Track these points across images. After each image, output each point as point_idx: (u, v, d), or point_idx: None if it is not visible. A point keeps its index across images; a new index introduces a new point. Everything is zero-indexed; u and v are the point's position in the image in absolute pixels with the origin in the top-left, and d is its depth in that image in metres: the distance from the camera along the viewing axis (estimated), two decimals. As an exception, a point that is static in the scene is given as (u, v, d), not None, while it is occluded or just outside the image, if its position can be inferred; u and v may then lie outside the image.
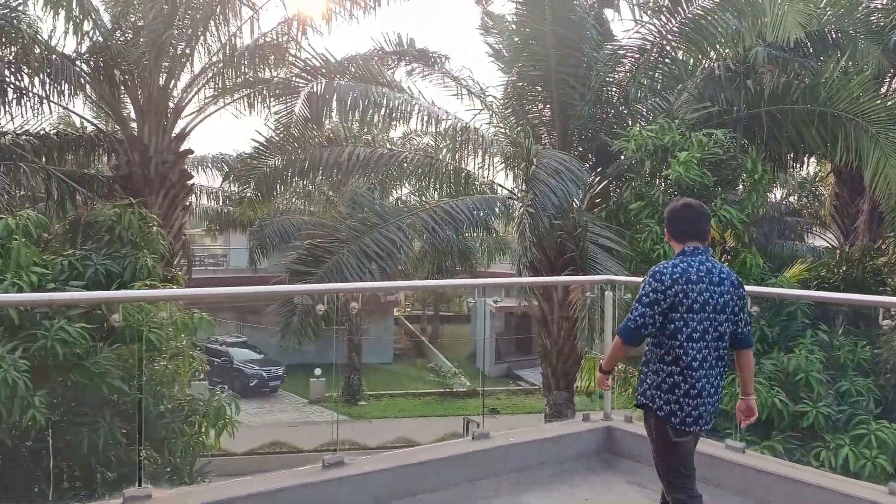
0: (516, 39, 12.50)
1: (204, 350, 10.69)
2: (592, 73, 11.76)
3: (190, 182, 13.21)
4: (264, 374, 30.24)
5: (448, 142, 13.10)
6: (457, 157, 12.86)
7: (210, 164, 22.09)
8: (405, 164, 13.48)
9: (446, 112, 12.90)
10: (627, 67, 12.23)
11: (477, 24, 14.51)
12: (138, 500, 3.52)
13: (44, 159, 12.67)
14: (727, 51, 12.01)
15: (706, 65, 12.25)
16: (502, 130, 13.15)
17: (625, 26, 29.74)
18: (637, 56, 11.95)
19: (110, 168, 13.08)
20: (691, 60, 12.17)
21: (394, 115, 12.33)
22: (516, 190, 12.58)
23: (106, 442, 7.67)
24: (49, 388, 7.42)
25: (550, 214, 9.65)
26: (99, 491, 7.65)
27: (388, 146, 14.57)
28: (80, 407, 7.91)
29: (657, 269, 3.49)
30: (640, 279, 3.79)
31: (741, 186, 10.63)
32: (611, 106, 12.44)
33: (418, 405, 29.37)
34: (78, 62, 12.49)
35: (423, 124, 12.68)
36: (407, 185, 20.06)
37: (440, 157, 13.49)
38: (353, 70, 12.54)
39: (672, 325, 3.39)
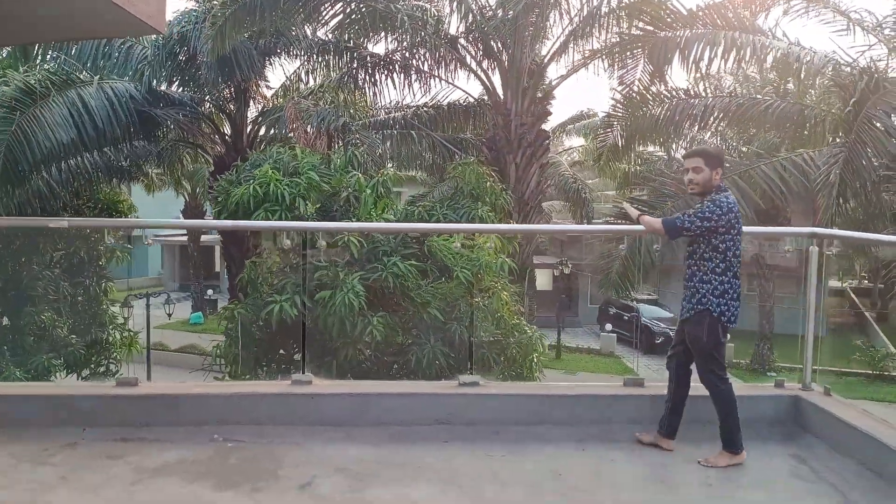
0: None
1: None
2: None
3: (546, 142, 14.16)
4: (670, 332, 30.39)
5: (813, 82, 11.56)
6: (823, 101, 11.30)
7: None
8: (769, 113, 12.33)
9: (812, 52, 11.38)
10: None
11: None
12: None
13: (434, 128, 14.99)
14: None
15: None
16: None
17: None
18: None
19: (484, 132, 14.77)
20: None
21: (745, 60, 11.39)
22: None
23: (430, 360, 9.27)
24: (388, 313, 9.27)
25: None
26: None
27: (753, 94, 13.31)
28: (415, 330, 9.67)
29: (722, 199, 4.03)
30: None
31: None
32: None
33: (837, 386, 26.09)
34: (461, 40, 14.36)
35: (779, 67, 11.43)
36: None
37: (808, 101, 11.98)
38: (702, 17, 11.89)
39: (724, 245, 4.01)
